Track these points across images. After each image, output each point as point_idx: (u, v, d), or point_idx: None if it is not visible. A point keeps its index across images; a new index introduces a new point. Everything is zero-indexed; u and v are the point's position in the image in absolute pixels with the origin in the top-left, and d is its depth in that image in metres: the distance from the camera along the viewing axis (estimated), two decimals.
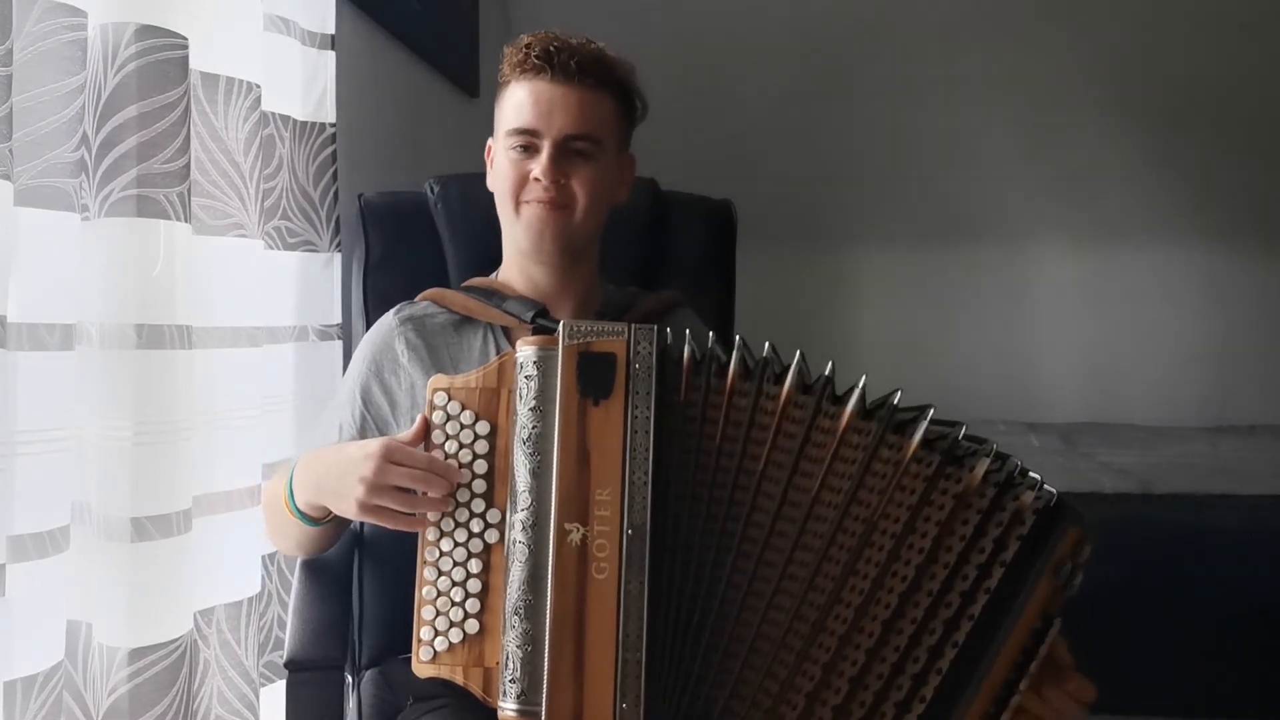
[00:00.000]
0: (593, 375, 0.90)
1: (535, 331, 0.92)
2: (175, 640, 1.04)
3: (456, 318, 1.18)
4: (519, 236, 1.16)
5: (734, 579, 0.89)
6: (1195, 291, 3.03)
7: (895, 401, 0.88)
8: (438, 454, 0.95)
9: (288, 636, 1.20)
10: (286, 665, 1.17)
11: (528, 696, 0.88)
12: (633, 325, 0.92)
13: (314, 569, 1.25)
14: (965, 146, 3.01)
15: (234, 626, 1.18)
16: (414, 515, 0.96)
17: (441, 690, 1.10)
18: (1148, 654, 1.95)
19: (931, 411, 0.87)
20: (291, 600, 1.23)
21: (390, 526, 0.97)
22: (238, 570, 1.21)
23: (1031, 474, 0.86)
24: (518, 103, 1.13)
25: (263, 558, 1.30)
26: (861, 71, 3.01)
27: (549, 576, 0.88)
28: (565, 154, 1.12)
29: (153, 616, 1.03)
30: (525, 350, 0.93)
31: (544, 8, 2.96)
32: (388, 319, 1.19)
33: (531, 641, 0.88)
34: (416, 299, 1.21)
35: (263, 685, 1.30)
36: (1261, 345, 3.00)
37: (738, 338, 0.92)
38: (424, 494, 0.94)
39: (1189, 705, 2.02)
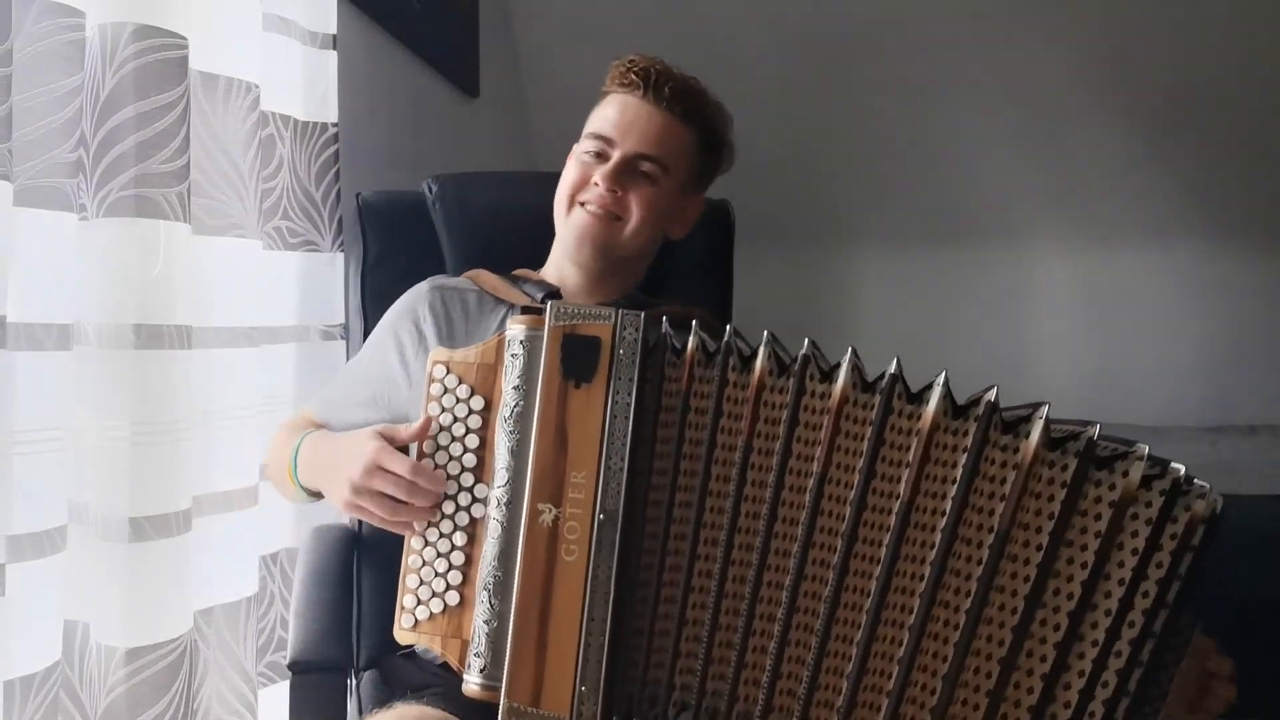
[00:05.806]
0: (576, 358, 0.89)
1: (526, 310, 0.93)
2: (174, 640, 1.04)
3: (486, 296, 1.20)
4: (565, 234, 1.19)
5: (767, 577, 0.85)
6: (1195, 292, 3.02)
7: (992, 398, 0.81)
8: (433, 426, 0.95)
9: (290, 638, 1.20)
10: (290, 667, 1.17)
11: (490, 671, 0.88)
12: (620, 311, 0.90)
13: (315, 571, 1.25)
14: (965, 146, 3.00)
15: (233, 626, 1.18)
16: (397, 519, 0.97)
17: (434, 681, 1.11)
18: None
19: (1047, 409, 0.79)
20: (293, 603, 1.23)
21: (376, 524, 0.98)
22: (237, 570, 1.21)
23: (1198, 481, 0.78)
24: (605, 113, 1.19)
25: (263, 558, 1.30)
26: (861, 71, 3.00)
27: (519, 555, 0.88)
28: (631, 170, 1.16)
29: (151, 616, 1.03)
30: (514, 328, 0.92)
31: (545, 7, 2.98)
32: (422, 285, 1.22)
33: (498, 618, 0.89)
34: (460, 275, 1.24)
35: (262, 686, 1.30)
36: (1261, 345, 2.99)
37: (765, 333, 0.88)
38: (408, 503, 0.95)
39: None
